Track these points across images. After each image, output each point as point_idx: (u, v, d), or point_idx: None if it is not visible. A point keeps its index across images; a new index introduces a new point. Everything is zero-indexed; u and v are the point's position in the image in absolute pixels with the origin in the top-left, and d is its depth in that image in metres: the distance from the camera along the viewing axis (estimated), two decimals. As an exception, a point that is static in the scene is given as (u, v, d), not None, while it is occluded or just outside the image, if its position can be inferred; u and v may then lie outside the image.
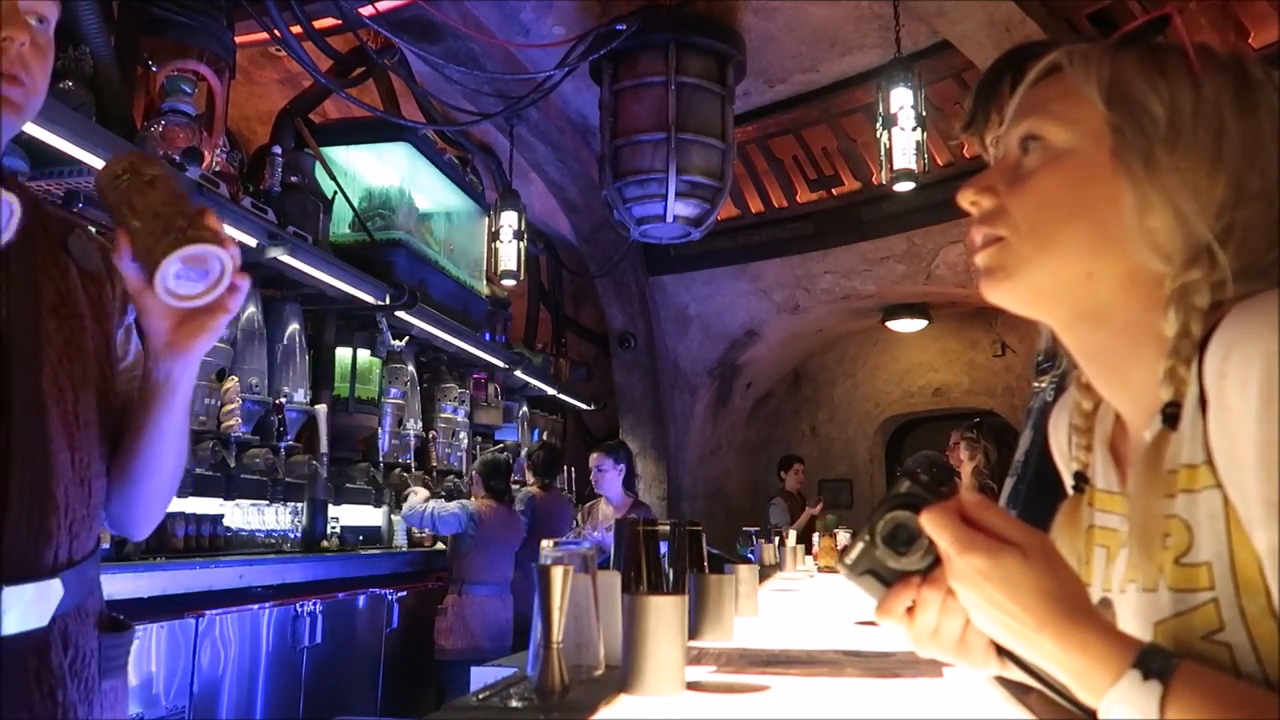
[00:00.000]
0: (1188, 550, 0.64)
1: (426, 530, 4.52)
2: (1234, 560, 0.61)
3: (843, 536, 4.08)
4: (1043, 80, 0.76)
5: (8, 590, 0.91)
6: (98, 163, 2.74)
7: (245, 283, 1.01)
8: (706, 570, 1.51)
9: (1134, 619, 0.69)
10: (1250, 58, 0.71)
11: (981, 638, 0.75)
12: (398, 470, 4.65)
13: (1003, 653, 0.75)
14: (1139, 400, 0.72)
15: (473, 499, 4.42)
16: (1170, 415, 0.66)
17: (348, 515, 4.68)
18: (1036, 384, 1.48)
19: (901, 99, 4.44)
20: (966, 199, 0.76)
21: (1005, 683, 1.10)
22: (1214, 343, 0.63)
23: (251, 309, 3.77)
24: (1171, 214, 0.67)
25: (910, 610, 0.78)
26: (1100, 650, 0.60)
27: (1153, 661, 0.59)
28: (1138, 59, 0.71)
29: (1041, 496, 1.36)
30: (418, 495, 4.37)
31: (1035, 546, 0.64)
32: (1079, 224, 0.70)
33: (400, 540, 4.93)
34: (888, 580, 0.77)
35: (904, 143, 4.41)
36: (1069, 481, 0.84)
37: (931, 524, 0.67)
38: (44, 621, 0.96)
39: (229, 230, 3.34)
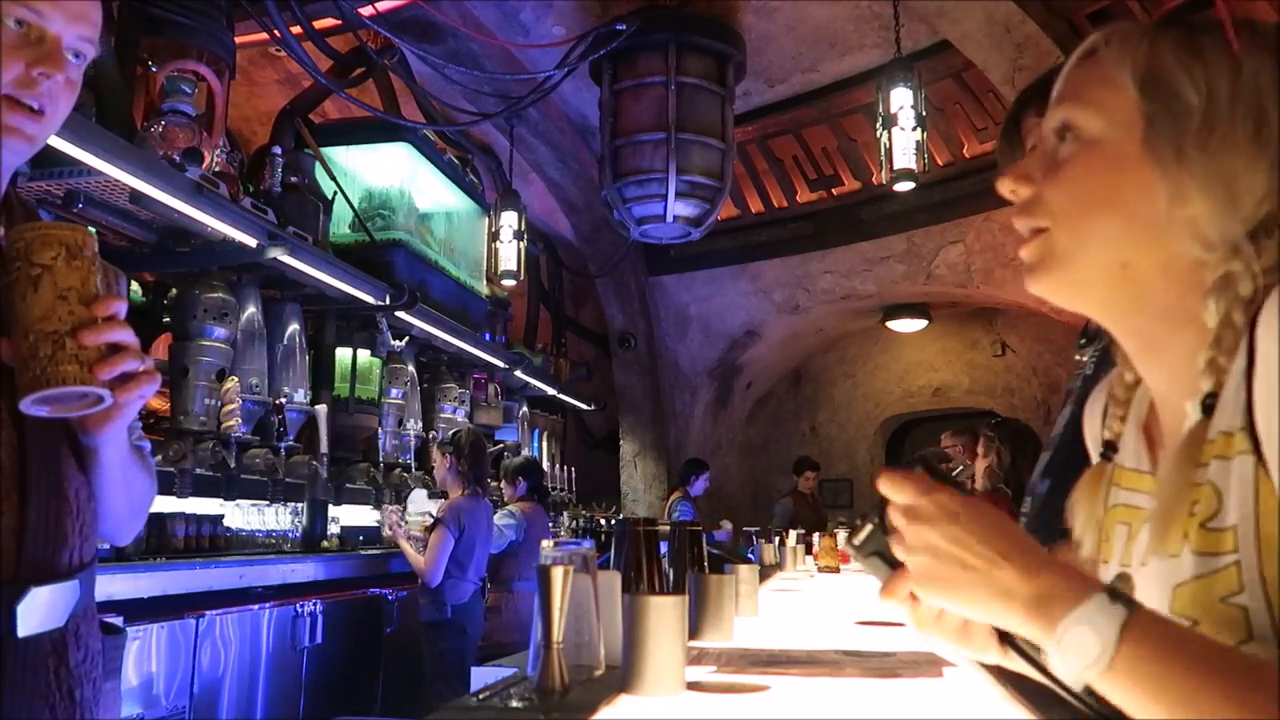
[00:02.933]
0: (1215, 515, 0.63)
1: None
2: (1259, 523, 0.61)
3: (843, 537, 4.08)
4: (1083, 63, 0.75)
5: (35, 590, 0.92)
6: (98, 163, 2.73)
7: (150, 386, 0.95)
8: (706, 570, 1.51)
9: (1154, 585, 0.69)
10: None
11: (984, 625, 0.76)
12: (398, 470, 4.64)
13: (1004, 640, 0.76)
14: (1176, 381, 0.71)
15: (512, 503, 4.47)
16: (1208, 406, 0.65)
17: (348, 515, 4.68)
18: (1079, 357, 1.48)
19: (901, 99, 4.44)
20: (1006, 187, 0.76)
21: (1003, 677, 1.10)
22: (1270, 302, 0.62)
23: (251, 309, 3.77)
24: (1209, 202, 0.66)
25: (914, 594, 0.78)
26: (1064, 578, 0.61)
27: (1119, 594, 0.59)
28: (1175, 42, 0.69)
29: (1071, 470, 1.36)
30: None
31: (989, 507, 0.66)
32: (1111, 214, 0.70)
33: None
34: (894, 563, 0.78)
35: (904, 143, 4.41)
36: (1095, 452, 0.83)
37: (890, 478, 0.67)
38: (62, 622, 0.97)
39: (229, 230, 3.36)
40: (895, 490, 0.68)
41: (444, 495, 4.32)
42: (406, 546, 4.01)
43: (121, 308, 0.92)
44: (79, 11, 0.97)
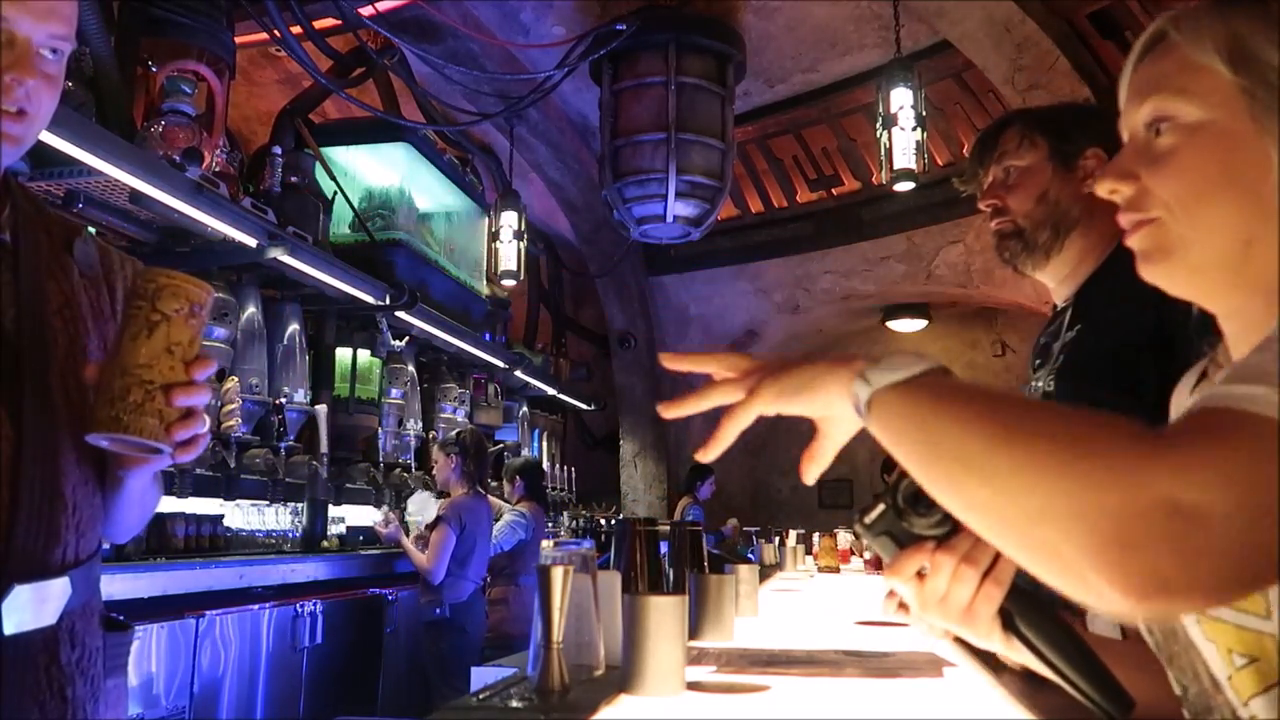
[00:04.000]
0: None
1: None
2: None
3: (843, 537, 4.08)
4: (1151, 55, 0.74)
5: (19, 588, 0.92)
6: (98, 163, 2.73)
7: (197, 450, 0.98)
8: (706, 570, 1.51)
9: None
10: None
11: (988, 609, 0.76)
12: (398, 470, 4.64)
13: (1008, 628, 0.76)
14: None
15: (518, 503, 4.49)
16: None
17: (354, 515, 4.68)
18: (1033, 380, 1.49)
19: (901, 99, 4.44)
20: (1106, 188, 0.75)
21: (1002, 677, 1.10)
22: None
23: (251, 309, 3.77)
24: None
25: (920, 575, 0.78)
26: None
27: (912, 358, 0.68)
28: (1247, 16, 0.69)
29: None
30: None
31: None
32: (1231, 195, 0.69)
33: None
34: (903, 543, 0.78)
35: (904, 143, 4.41)
36: None
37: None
38: (53, 619, 0.97)
39: (229, 230, 3.36)
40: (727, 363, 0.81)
41: (443, 495, 4.33)
42: (409, 544, 4.02)
43: (211, 371, 0.96)
44: (46, 9, 0.96)
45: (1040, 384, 1.46)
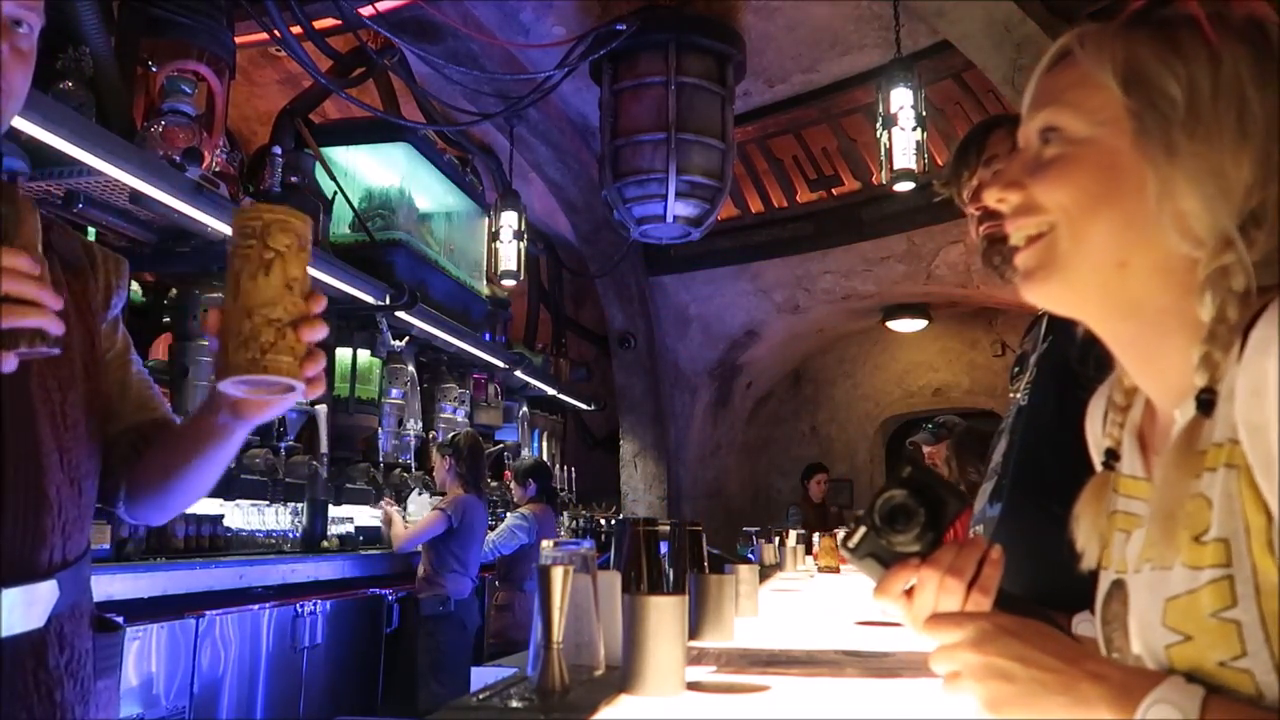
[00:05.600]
0: (1206, 529, 0.63)
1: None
2: (1249, 537, 0.61)
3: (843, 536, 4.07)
4: (1056, 67, 0.75)
5: (5, 592, 0.91)
6: (98, 163, 2.73)
7: (322, 387, 0.96)
8: (706, 570, 1.51)
9: (1146, 595, 0.69)
10: (1271, 20, 0.68)
11: None
12: (398, 470, 4.65)
13: None
14: (1170, 385, 0.71)
15: (523, 505, 4.50)
16: (1205, 401, 0.65)
17: (359, 516, 4.69)
18: (1012, 392, 1.50)
19: (901, 99, 4.44)
20: (993, 197, 0.75)
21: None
22: (1262, 324, 0.61)
23: (251, 309, 3.77)
24: (1198, 197, 0.65)
25: (909, 592, 0.78)
26: (1130, 671, 0.64)
27: (1192, 677, 0.61)
28: (1150, 38, 0.69)
29: (1024, 497, 1.37)
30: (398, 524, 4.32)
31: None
32: (1107, 213, 0.69)
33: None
34: (887, 563, 0.78)
35: (904, 143, 4.41)
36: (1099, 460, 0.83)
37: (936, 622, 0.71)
38: (41, 622, 0.96)
39: (228, 231, 3.36)
40: (945, 630, 0.70)
41: (443, 495, 4.35)
42: (396, 518, 4.07)
43: (324, 305, 0.94)
44: None
45: (1019, 395, 1.47)
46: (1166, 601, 0.65)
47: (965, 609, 0.77)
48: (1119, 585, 0.74)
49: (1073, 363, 1.22)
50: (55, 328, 0.86)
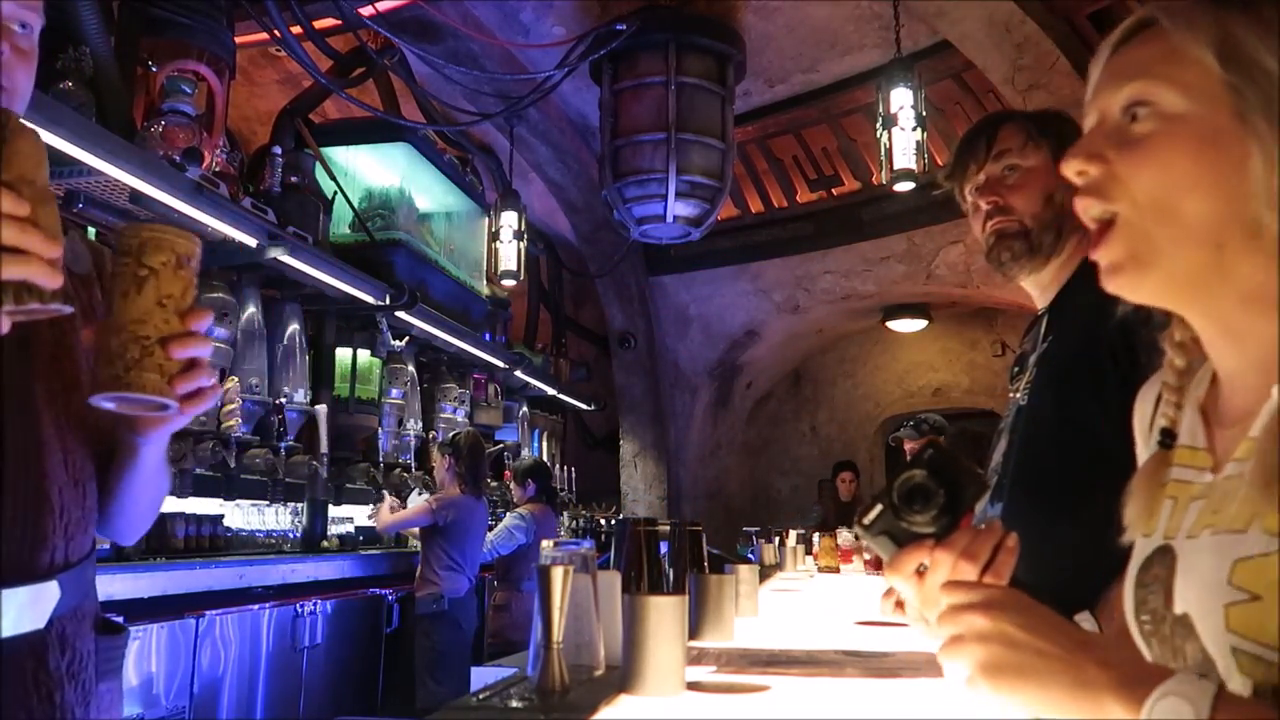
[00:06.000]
0: None
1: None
2: None
3: (845, 535, 4.09)
4: (1134, 40, 0.73)
5: (5, 593, 0.91)
6: (98, 163, 2.73)
7: (206, 403, 0.95)
8: (706, 570, 1.51)
9: (1210, 558, 0.67)
10: None
11: None
12: (398, 470, 4.65)
13: None
14: (1252, 359, 0.70)
15: (522, 505, 4.50)
16: None
17: (348, 515, 4.68)
18: (1012, 391, 1.49)
19: (901, 99, 4.44)
20: (1073, 168, 0.73)
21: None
22: None
23: (251, 309, 3.77)
24: None
25: (920, 573, 0.78)
26: (1140, 662, 0.63)
27: (1203, 674, 0.60)
28: (1243, 17, 0.68)
29: (1024, 496, 1.37)
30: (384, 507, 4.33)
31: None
32: (1205, 193, 0.67)
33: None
34: (902, 542, 0.78)
35: (904, 143, 4.41)
36: (1149, 446, 0.82)
37: (946, 556, 0.71)
38: (41, 624, 0.96)
39: (229, 230, 3.35)
40: (958, 593, 0.69)
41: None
42: (387, 501, 4.10)
43: (208, 322, 0.93)
44: None
45: (1019, 395, 1.46)
46: (1236, 562, 0.64)
47: None
48: (1164, 550, 0.73)
49: (1119, 350, 1.21)
50: (47, 280, 0.79)
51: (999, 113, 1.61)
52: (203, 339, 0.92)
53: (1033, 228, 1.45)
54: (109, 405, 0.92)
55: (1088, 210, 0.72)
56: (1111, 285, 0.73)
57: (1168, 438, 0.79)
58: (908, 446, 4.30)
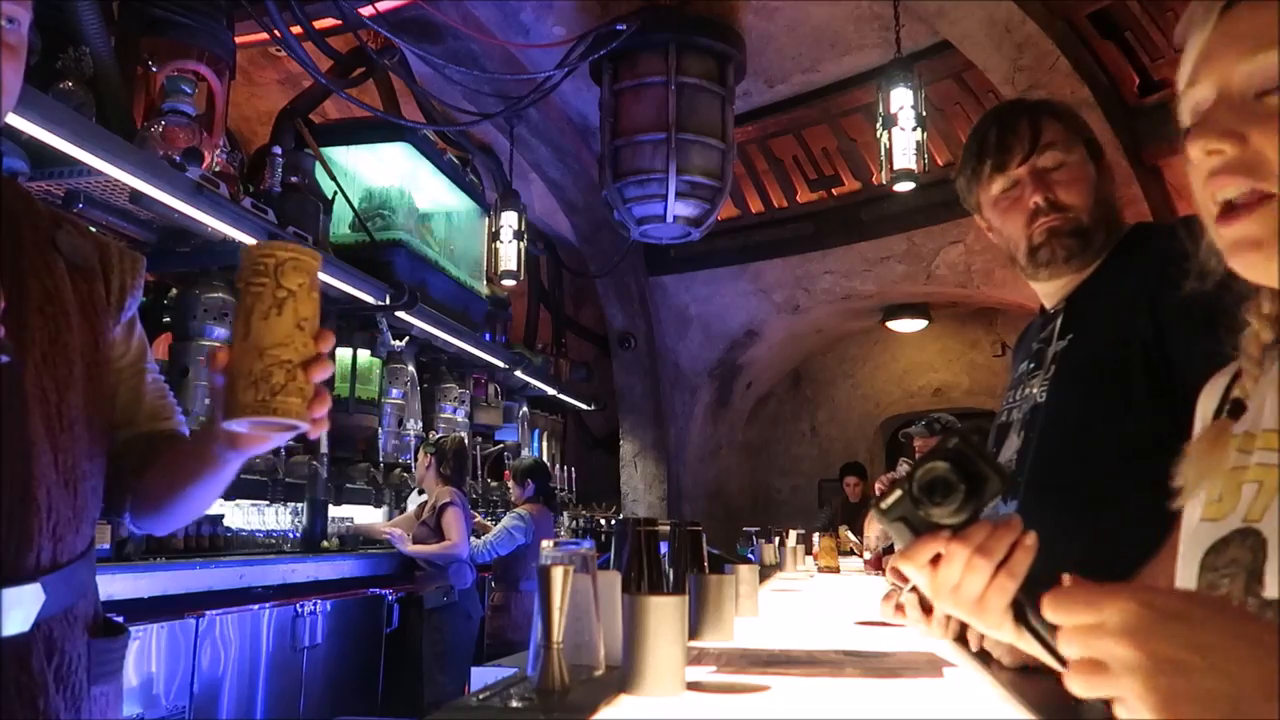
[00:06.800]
0: None
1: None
2: None
3: (849, 534, 4.10)
4: (1238, 8, 0.69)
5: None
6: (98, 163, 2.73)
7: (324, 428, 0.95)
8: (706, 570, 1.51)
9: None
10: None
11: (1000, 600, 0.75)
12: (398, 470, 4.65)
13: (1019, 620, 0.75)
14: None
15: (520, 505, 4.51)
16: None
17: (349, 515, 4.68)
18: (1026, 388, 1.46)
19: (901, 99, 4.44)
20: (1204, 147, 0.68)
21: (1003, 677, 1.10)
22: None
23: (251, 309, 3.77)
24: None
25: (934, 562, 0.77)
26: None
27: None
28: None
29: (1040, 497, 1.35)
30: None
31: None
32: None
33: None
34: (919, 530, 0.78)
35: (904, 143, 4.41)
36: (1204, 424, 0.80)
37: (1062, 599, 0.57)
38: (25, 627, 0.93)
39: (229, 230, 3.36)
40: (1076, 610, 0.57)
41: (422, 492, 4.42)
42: (419, 547, 4.08)
43: (332, 344, 0.94)
44: None
45: (1034, 391, 1.44)
46: None
47: (989, 591, 0.75)
48: (1245, 533, 0.71)
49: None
50: None
51: (1028, 102, 1.51)
52: (331, 362, 0.93)
53: (1088, 222, 1.39)
54: (244, 428, 0.92)
55: (1223, 189, 0.68)
56: (1241, 262, 0.69)
57: (1238, 407, 0.76)
58: (917, 444, 4.29)
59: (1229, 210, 0.68)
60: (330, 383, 0.93)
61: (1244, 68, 0.67)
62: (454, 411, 5.36)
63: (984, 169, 1.45)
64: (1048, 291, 1.49)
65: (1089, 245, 1.39)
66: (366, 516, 4.85)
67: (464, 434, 5.00)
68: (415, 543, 4.09)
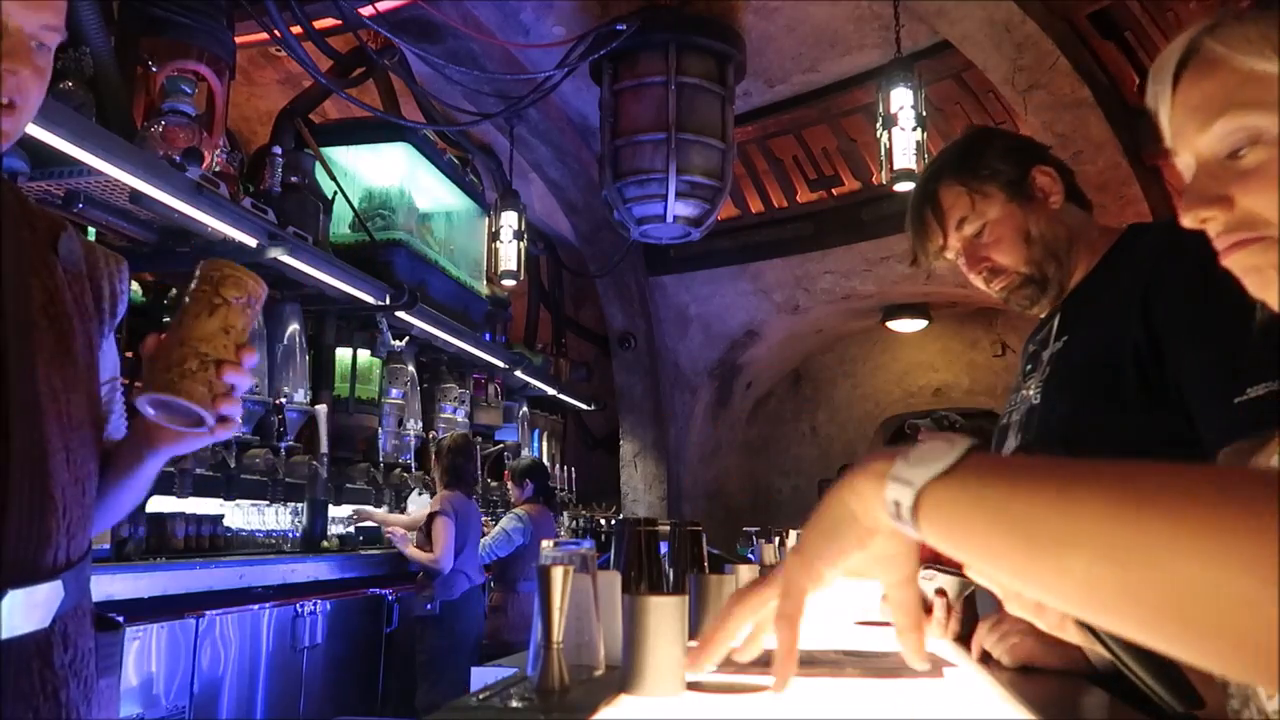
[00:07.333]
0: None
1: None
2: None
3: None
4: (1192, 73, 0.71)
5: (12, 593, 0.91)
6: (98, 163, 2.73)
7: (229, 431, 1.05)
8: (706, 570, 1.51)
9: None
10: None
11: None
12: (398, 470, 4.65)
13: (1082, 622, 0.76)
14: None
15: (519, 506, 4.50)
16: None
17: (348, 515, 4.68)
18: (1024, 390, 1.47)
19: (901, 99, 4.44)
20: (1196, 218, 0.71)
21: (1003, 678, 1.10)
22: None
23: (251, 309, 3.77)
24: None
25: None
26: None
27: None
28: None
29: None
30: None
31: None
32: None
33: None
34: None
35: (904, 143, 4.41)
36: None
37: None
38: (46, 623, 0.96)
39: (229, 230, 3.35)
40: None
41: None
42: (413, 551, 4.06)
43: (255, 360, 1.04)
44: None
45: (1030, 393, 1.45)
46: None
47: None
48: None
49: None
50: None
51: (925, 180, 1.57)
52: (247, 372, 1.02)
53: (1031, 272, 1.45)
54: (149, 410, 1.00)
55: (1227, 240, 0.71)
56: (1254, 284, 0.72)
57: None
58: (922, 438, 4.30)
59: (1229, 245, 0.70)
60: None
61: (1205, 139, 0.70)
62: (454, 411, 5.36)
63: (926, 258, 1.54)
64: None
65: (1045, 286, 1.45)
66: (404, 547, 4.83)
67: (466, 433, 4.99)
68: (416, 546, 4.09)
